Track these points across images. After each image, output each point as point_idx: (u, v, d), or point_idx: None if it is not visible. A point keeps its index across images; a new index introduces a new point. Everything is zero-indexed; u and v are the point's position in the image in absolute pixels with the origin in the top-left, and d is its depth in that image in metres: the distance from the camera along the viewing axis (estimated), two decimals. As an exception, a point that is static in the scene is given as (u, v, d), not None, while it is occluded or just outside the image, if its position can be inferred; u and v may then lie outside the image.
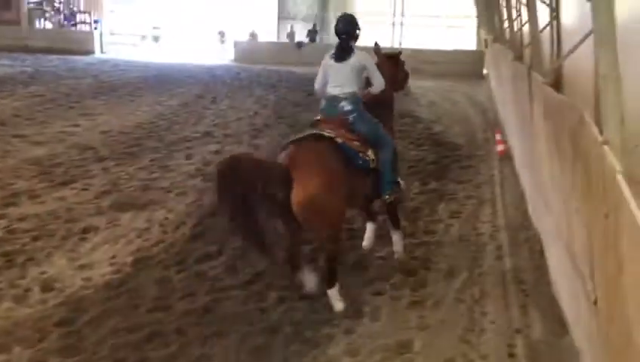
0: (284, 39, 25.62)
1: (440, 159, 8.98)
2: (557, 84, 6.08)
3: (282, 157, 4.16)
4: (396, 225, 5.13)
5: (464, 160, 9.01)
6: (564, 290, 4.05)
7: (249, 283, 4.76)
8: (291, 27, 25.75)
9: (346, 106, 4.65)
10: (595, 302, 2.82)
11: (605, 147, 2.41)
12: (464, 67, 21.16)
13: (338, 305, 4.27)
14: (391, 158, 4.65)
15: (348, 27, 4.77)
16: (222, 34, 25.67)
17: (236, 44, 24.91)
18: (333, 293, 4.29)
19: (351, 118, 4.62)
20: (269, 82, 17.51)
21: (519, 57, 8.02)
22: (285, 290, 4.62)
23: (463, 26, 25.60)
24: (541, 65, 5.32)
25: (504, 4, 10.29)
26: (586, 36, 3.55)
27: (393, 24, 26.64)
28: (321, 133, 4.36)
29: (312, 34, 25.31)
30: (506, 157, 8.86)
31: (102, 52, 24.75)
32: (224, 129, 10.72)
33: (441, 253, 5.46)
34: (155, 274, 4.88)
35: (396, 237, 5.14)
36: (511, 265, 5.17)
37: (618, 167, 2.21)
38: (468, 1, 25.23)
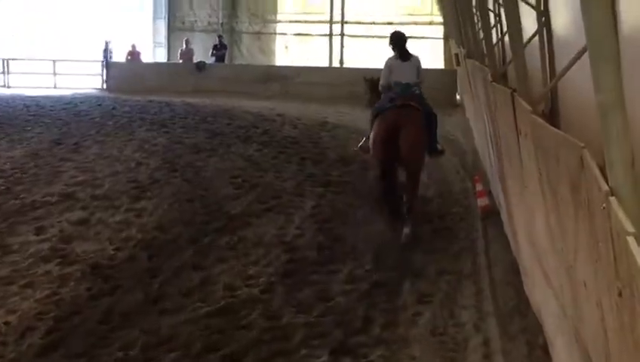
0: (178, 58, 25.71)
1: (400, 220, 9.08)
2: (551, 113, 6.33)
3: (388, 116, 8.62)
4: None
5: (435, 220, 9.16)
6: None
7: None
8: (187, 42, 25.85)
9: (416, 91, 9.16)
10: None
11: (612, 199, 2.50)
12: (429, 92, 21.70)
13: (406, 230, 8.27)
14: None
15: (404, 38, 9.40)
16: (108, 50, 25.53)
17: (110, 66, 24.86)
18: (409, 218, 8.45)
19: (419, 97, 9.14)
20: (157, 119, 17.47)
21: (500, 78, 8.32)
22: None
23: (425, 36, 26.45)
24: (528, 88, 5.53)
25: (478, 6, 10.74)
26: (583, 50, 3.75)
27: (330, 35, 27.24)
28: (409, 103, 8.78)
29: (218, 50, 25.50)
30: (492, 213, 9.08)
31: None
32: (92, 188, 10.57)
33: (406, 355, 5.48)
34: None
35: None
36: (503, 367, 5.24)
37: (630, 226, 2.29)
38: (430, 3, 26.18)
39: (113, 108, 19.35)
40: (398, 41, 9.41)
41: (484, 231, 8.62)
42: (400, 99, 8.86)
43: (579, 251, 3.41)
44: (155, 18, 28.79)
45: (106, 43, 25.83)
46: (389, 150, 8.50)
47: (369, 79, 10.59)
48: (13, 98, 21.43)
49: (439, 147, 9.42)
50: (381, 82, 9.39)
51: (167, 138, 14.93)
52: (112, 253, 7.84)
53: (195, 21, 28.23)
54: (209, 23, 28.10)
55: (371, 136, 8.87)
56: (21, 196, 10.05)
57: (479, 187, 9.87)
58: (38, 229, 8.57)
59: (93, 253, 7.79)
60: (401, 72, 9.22)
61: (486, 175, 10.63)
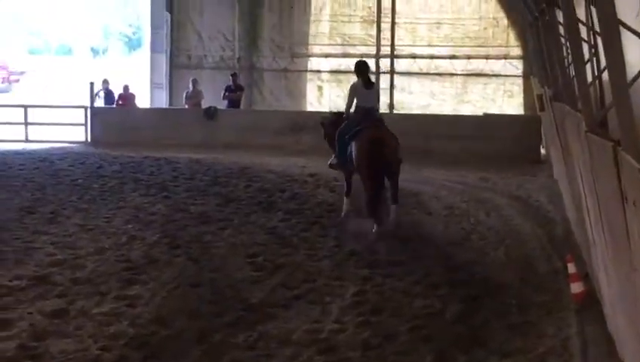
0: (183, 102, 25.90)
1: (469, 312, 9.05)
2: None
3: (369, 133, 12.77)
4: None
5: (514, 312, 9.07)
6: None
7: None
8: (194, 82, 26.01)
9: (379, 115, 14.14)
10: None
11: None
12: (506, 145, 21.76)
13: (393, 217, 12.82)
14: None
15: (368, 67, 13.99)
16: (107, 91, 25.96)
17: (95, 113, 25.14)
18: (395, 208, 12.94)
19: (381, 119, 13.80)
20: (155, 181, 17.66)
21: (598, 126, 8.28)
22: None
23: (499, 74, 26.51)
24: (636, 139, 5.50)
25: (568, 35, 10.77)
26: None
27: (377, 72, 27.34)
28: (380, 121, 13.53)
29: (232, 92, 25.56)
30: (590, 303, 8.97)
31: None
32: (73, 270, 10.59)
33: None
34: None
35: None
36: None
37: None
38: (505, 32, 26.24)
39: (99, 167, 19.61)
40: (364, 69, 13.74)
41: (579, 328, 8.49)
42: (370, 121, 13.22)
43: None
44: (153, 52, 28.91)
45: (104, 82, 26.22)
46: (377, 161, 12.56)
47: (322, 122, 15.30)
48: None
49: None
50: (347, 104, 13.96)
51: (168, 205, 15.05)
52: (97, 353, 7.83)
53: (205, 56, 28.38)
54: (222, 58, 28.28)
55: (356, 152, 12.87)
56: (-18, 280, 10.12)
57: (572, 269, 9.77)
58: (4, 323, 8.55)
59: (73, 353, 7.78)
60: (366, 97, 13.53)
61: (581, 253, 10.53)
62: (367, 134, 12.84)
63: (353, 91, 13.73)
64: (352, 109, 13.80)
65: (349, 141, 13.21)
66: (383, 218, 12.63)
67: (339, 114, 14.64)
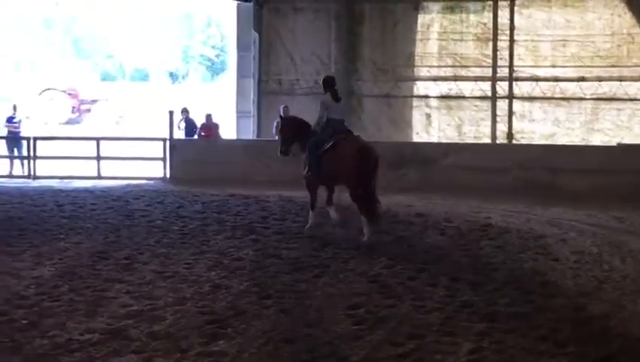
0: (273, 133, 26.02)
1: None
2: None
3: (348, 142, 16.10)
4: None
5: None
6: None
7: None
8: (285, 110, 26.11)
9: (346, 126, 16.95)
10: None
11: None
12: (635, 180, 21.41)
13: (366, 231, 15.92)
14: None
15: (336, 81, 17.04)
16: (188, 121, 26.31)
17: (174, 145, 25.46)
18: (367, 222, 15.90)
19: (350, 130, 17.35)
20: (241, 223, 17.80)
21: None
22: None
23: (636, 97, 26.11)
24: None
25: None
26: None
27: (494, 97, 27.21)
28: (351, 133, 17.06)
29: (327, 121, 25.64)
30: None
31: None
32: (150, 323, 10.65)
33: None
34: None
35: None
36: None
37: None
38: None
39: (179, 207, 19.90)
40: (332, 83, 16.67)
41: None
42: (344, 133, 16.26)
43: None
44: (239, 77, 29.07)
45: (184, 111, 26.53)
46: (365, 168, 15.45)
47: (281, 116, 18.92)
48: (42, 193, 22.19)
49: None
50: (318, 118, 16.65)
51: (257, 249, 15.12)
52: (178, 417, 7.89)
53: (297, 80, 28.45)
54: (317, 83, 28.30)
55: (340, 161, 15.69)
56: (50, 333, 10.20)
57: None
58: (73, 384, 8.69)
59: (151, 417, 7.85)
60: (336, 110, 16.57)
61: None
62: (350, 143, 15.95)
63: (324, 105, 16.57)
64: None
65: (327, 152, 16.11)
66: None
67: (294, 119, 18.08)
